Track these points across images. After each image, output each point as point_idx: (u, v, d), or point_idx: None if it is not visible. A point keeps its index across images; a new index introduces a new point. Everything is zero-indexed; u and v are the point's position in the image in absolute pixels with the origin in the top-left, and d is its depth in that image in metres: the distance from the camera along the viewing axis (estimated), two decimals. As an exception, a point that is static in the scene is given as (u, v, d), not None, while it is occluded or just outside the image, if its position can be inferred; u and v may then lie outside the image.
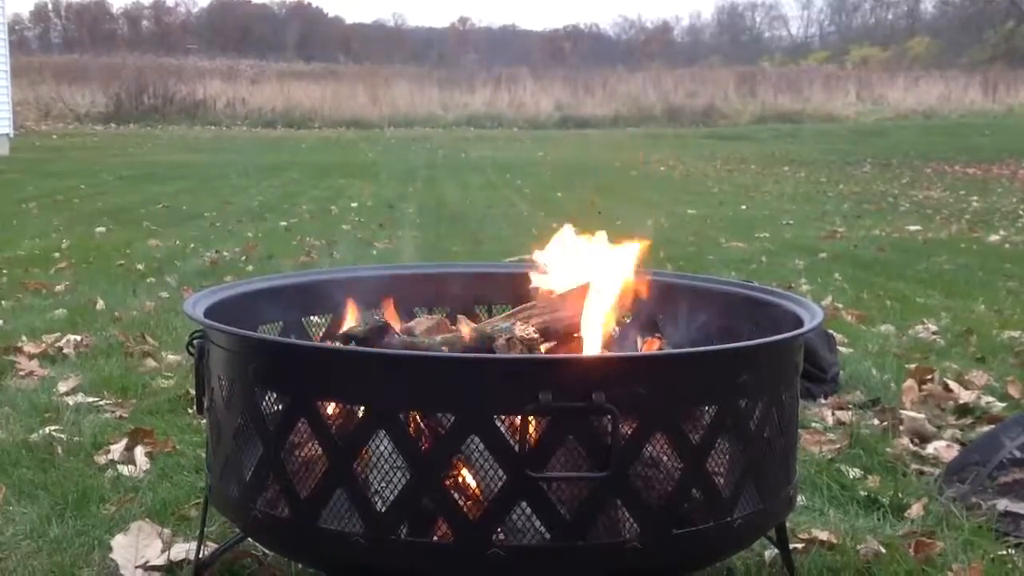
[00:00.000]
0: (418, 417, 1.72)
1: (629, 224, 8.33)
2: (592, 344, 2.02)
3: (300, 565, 2.12)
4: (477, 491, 1.71)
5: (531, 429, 1.62)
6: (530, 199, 11.47)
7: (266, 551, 2.17)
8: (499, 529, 1.66)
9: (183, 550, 2.22)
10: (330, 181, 12.98)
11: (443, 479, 1.69)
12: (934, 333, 4.63)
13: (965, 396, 3.47)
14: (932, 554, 2.24)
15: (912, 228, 8.94)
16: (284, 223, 8.96)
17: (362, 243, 7.84)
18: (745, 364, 1.79)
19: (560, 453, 1.65)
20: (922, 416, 3.22)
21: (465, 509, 1.67)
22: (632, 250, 2.11)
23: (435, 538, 1.69)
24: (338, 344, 2.04)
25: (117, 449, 2.90)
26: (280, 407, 1.78)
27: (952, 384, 3.58)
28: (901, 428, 3.15)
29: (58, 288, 5.62)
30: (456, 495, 1.69)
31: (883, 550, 2.26)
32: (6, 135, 16.14)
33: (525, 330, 1.95)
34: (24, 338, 4.25)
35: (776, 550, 2.14)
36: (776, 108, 28.75)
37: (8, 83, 16.31)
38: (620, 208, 10.00)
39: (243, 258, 6.89)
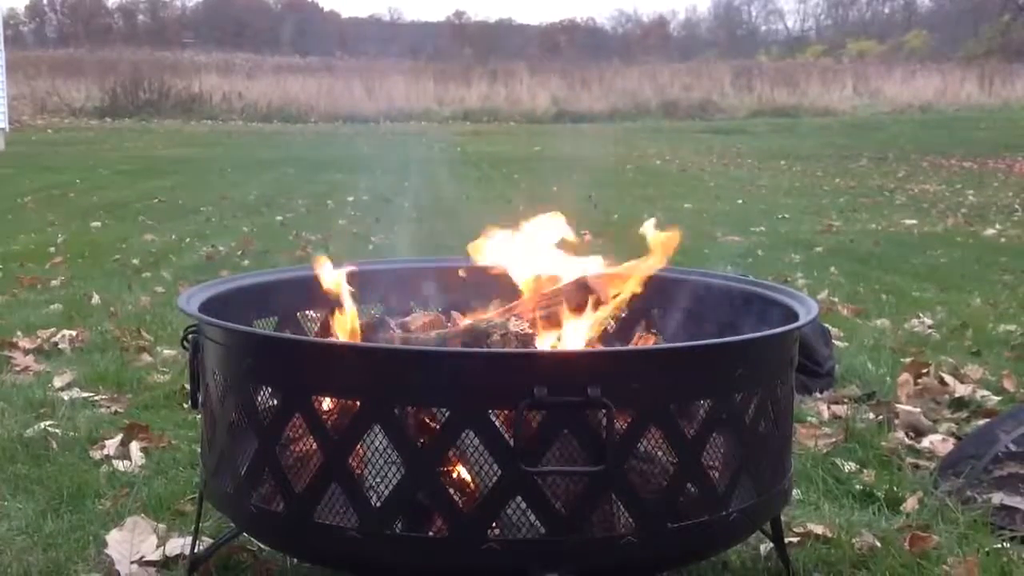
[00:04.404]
0: (413, 412, 1.72)
1: (625, 219, 8.33)
2: (587, 338, 2.02)
3: (295, 560, 2.12)
4: (472, 486, 1.71)
5: (526, 424, 1.62)
6: (527, 194, 11.45)
7: (261, 546, 2.17)
8: (494, 523, 1.66)
9: (178, 545, 2.23)
10: (326, 176, 12.95)
11: (438, 474, 1.69)
12: (930, 327, 4.63)
13: (961, 390, 3.47)
14: (927, 548, 2.24)
15: (908, 222, 8.94)
16: (280, 218, 8.95)
17: (358, 238, 7.83)
18: (740, 358, 1.79)
19: (555, 447, 1.65)
20: (917, 410, 3.22)
21: (460, 504, 1.67)
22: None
23: (430, 533, 1.69)
24: (333, 339, 2.04)
25: (112, 444, 2.90)
26: (275, 402, 1.78)
27: (948, 378, 3.58)
28: (896, 422, 3.16)
29: (53, 283, 5.61)
30: (451, 490, 1.69)
31: (878, 544, 2.27)
32: (2, 130, 16.11)
33: (520, 325, 1.95)
34: (19, 333, 4.24)
35: (771, 544, 2.14)
36: (773, 102, 28.69)
37: (3, 77, 16.27)
38: (616, 203, 9.99)
39: (239, 253, 6.88)
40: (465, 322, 2.08)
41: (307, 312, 2.32)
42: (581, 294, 2.04)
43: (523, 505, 1.65)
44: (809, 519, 2.42)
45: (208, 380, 1.91)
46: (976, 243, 7.69)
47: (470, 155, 17.12)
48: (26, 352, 3.96)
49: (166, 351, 4.03)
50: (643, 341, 2.14)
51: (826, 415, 3.30)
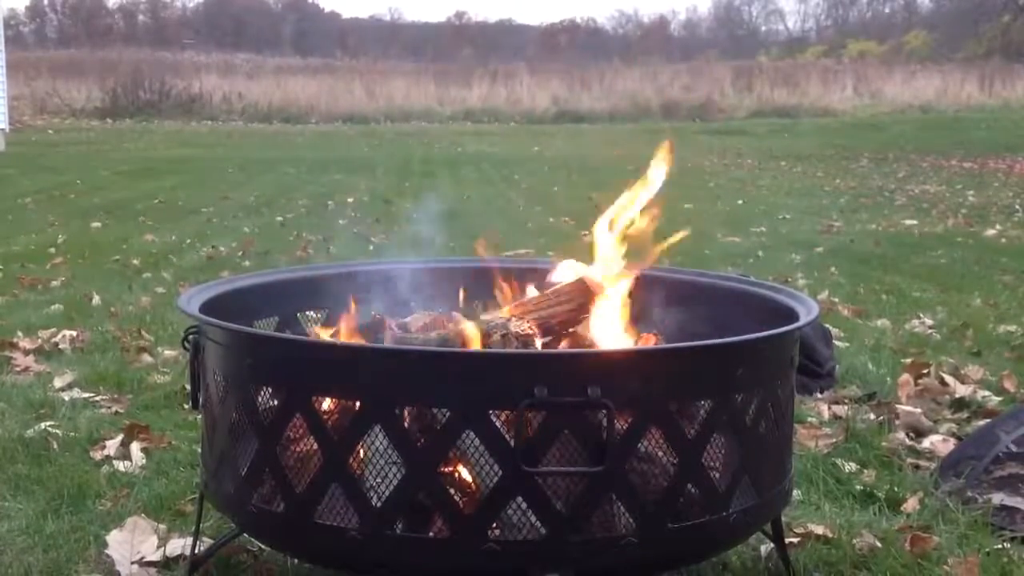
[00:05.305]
0: (413, 412, 1.72)
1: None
2: (587, 339, 2.02)
3: (295, 560, 2.12)
4: (473, 486, 1.71)
5: (526, 424, 1.62)
6: (527, 194, 11.46)
7: (262, 546, 2.17)
8: (495, 524, 1.66)
9: (179, 546, 2.23)
10: (327, 176, 12.96)
11: (438, 474, 1.69)
12: (930, 327, 4.63)
13: (961, 390, 3.47)
14: (928, 548, 2.24)
15: (908, 222, 8.95)
16: (280, 218, 8.95)
17: (359, 238, 7.83)
18: (741, 359, 1.79)
19: (555, 448, 1.65)
20: (918, 410, 3.22)
21: (460, 504, 1.67)
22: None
23: (430, 533, 1.69)
24: (333, 339, 2.04)
25: (113, 445, 2.90)
26: (275, 402, 1.78)
27: (948, 378, 3.58)
28: (897, 422, 3.16)
29: (54, 283, 5.61)
30: (451, 490, 1.69)
31: (879, 544, 2.27)
32: (2, 130, 16.11)
33: (520, 326, 1.95)
34: (20, 333, 4.24)
35: (772, 544, 2.14)
36: (773, 102, 28.67)
37: (4, 78, 16.27)
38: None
39: (239, 253, 6.88)
40: (466, 322, 2.08)
41: (307, 312, 2.32)
42: (582, 295, 2.04)
43: (523, 506, 1.65)
44: (810, 519, 2.42)
45: (208, 380, 1.91)
46: (976, 244, 7.69)
47: (471, 155, 17.12)
48: (26, 352, 3.96)
49: (166, 351, 4.03)
50: (644, 341, 2.14)
51: (827, 415, 3.30)
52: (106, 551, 2.21)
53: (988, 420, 3.02)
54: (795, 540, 2.27)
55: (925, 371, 3.63)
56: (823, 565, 2.20)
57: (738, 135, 22.42)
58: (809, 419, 3.25)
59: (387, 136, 22.23)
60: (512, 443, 1.62)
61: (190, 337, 1.97)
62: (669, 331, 2.23)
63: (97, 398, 3.42)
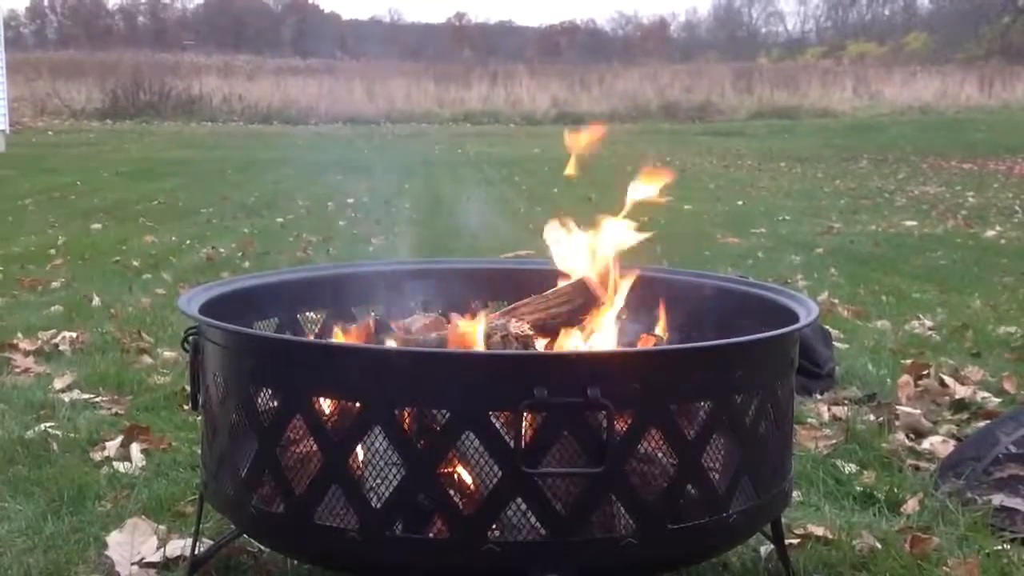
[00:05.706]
0: (413, 413, 1.72)
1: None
2: (587, 340, 2.02)
3: (295, 561, 2.12)
4: (472, 487, 1.71)
5: (526, 425, 1.62)
6: (527, 195, 11.45)
7: (262, 547, 2.17)
8: (494, 525, 1.66)
9: (179, 547, 2.23)
10: (327, 177, 12.95)
11: (438, 475, 1.69)
12: (930, 328, 4.63)
13: (961, 391, 3.47)
14: (928, 549, 2.24)
15: (908, 223, 8.95)
16: (280, 219, 8.95)
17: (358, 239, 7.83)
18: (741, 359, 1.79)
19: (555, 449, 1.65)
20: (918, 411, 3.22)
21: (460, 505, 1.67)
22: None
23: (430, 534, 1.69)
24: (333, 340, 2.04)
25: (113, 446, 2.90)
26: (275, 403, 1.78)
27: (948, 379, 3.58)
28: (897, 423, 3.16)
29: (54, 284, 5.61)
30: (451, 491, 1.69)
31: (879, 545, 2.27)
32: (2, 131, 16.11)
33: (520, 327, 1.95)
34: (20, 335, 4.24)
35: (772, 545, 2.14)
36: (772, 104, 28.68)
37: (4, 79, 16.27)
38: (616, 204, 9.99)
39: (239, 254, 6.88)
40: (465, 324, 2.08)
41: (307, 314, 2.32)
42: (582, 295, 2.04)
43: (523, 507, 1.65)
44: (810, 521, 2.42)
45: (208, 382, 1.91)
46: (976, 245, 7.69)
47: (471, 157, 17.12)
48: (26, 354, 3.96)
49: (166, 353, 4.03)
50: (643, 342, 2.14)
51: (826, 416, 3.30)
52: (106, 552, 2.21)
53: (988, 421, 3.02)
54: (795, 541, 2.27)
55: (925, 372, 3.63)
56: (823, 566, 2.20)
57: (738, 136, 22.43)
58: (809, 420, 3.25)
59: (387, 137, 22.23)
60: (512, 444, 1.62)
61: (190, 338, 1.97)
62: (669, 332, 2.23)
63: (97, 399, 3.42)
